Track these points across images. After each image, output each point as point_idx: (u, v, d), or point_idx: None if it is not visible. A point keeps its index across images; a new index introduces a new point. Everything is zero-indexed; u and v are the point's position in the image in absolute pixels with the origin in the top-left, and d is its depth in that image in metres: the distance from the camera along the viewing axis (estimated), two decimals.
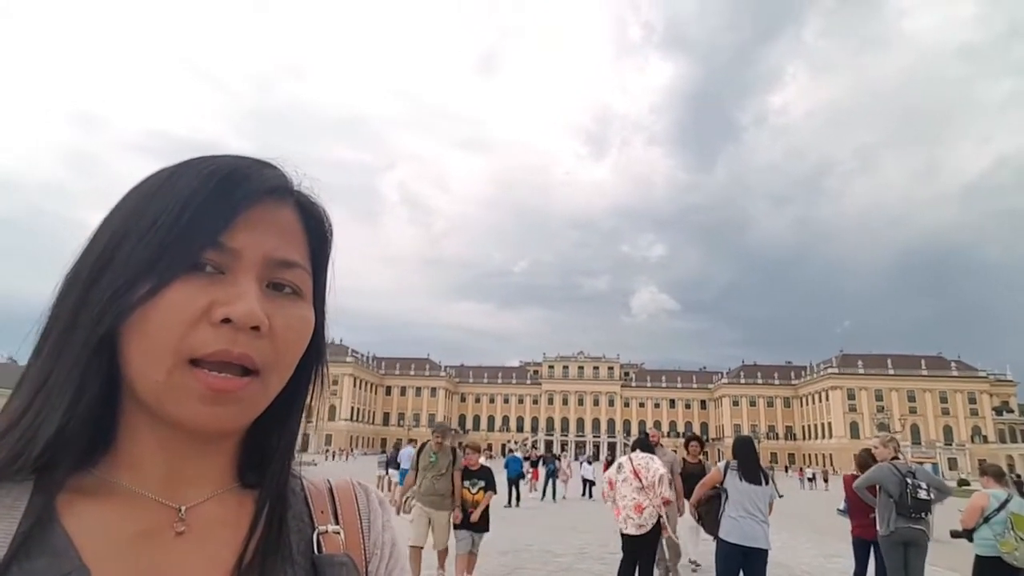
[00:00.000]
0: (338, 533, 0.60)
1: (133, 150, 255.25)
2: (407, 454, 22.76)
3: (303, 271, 0.56)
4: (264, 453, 0.59)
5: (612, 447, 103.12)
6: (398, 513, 7.52)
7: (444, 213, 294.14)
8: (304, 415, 0.63)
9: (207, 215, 0.51)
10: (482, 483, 7.64)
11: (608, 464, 11.03)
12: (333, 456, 74.40)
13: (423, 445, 7.87)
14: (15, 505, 0.48)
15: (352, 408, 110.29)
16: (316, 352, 0.60)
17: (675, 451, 10.29)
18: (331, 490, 0.64)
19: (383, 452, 37.66)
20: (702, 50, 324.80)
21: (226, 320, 0.50)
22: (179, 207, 0.50)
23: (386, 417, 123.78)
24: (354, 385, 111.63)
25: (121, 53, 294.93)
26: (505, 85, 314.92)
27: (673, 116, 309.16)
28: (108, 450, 0.53)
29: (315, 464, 52.80)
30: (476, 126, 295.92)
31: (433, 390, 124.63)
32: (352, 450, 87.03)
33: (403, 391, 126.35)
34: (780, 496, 7.37)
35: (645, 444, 7.35)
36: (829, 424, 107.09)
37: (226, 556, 0.53)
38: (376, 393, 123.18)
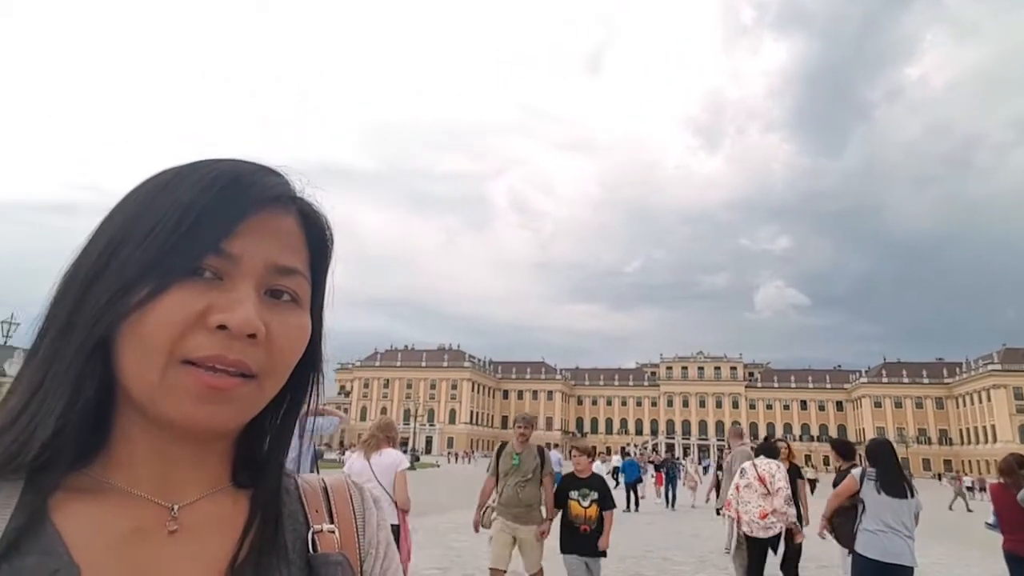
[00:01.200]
0: (333, 532, 0.60)
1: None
2: (555, 459, 22.40)
3: (302, 278, 0.56)
4: (258, 454, 0.60)
5: None
6: (476, 530, 6.37)
7: (553, 216, 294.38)
8: (305, 415, 0.62)
9: (209, 220, 0.51)
10: (594, 495, 6.06)
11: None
12: (457, 458, 76.76)
13: (503, 444, 6.39)
14: (6, 503, 0.48)
15: (471, 412, 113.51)
16: (312, 359, 0.60)
17: (808, 455, 9.09)
18: (325, 489, 0.64)
19: None
20: (822, 24, 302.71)
21: (222, 327, 0.50)
22: (181, 212, 0.50)
23: (504, 420, 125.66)
24: (472, 390, 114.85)
25: (263, 90, 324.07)
26: (610, 82, 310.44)
27: (792, 99, 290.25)
28: (101, 450, 0.53)
29: (438, 466, 54.86)
30: (582, 126, 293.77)
31: (549, 393, 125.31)
32: (472, 452, 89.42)
33: (520, 395, 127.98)
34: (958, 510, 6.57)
35: (769, 449, 7.02)
36: (992, 427, 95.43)
37: (220, 555, 0.53)
38: (494, 397, 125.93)
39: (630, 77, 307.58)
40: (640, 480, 20.93)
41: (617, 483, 19.70)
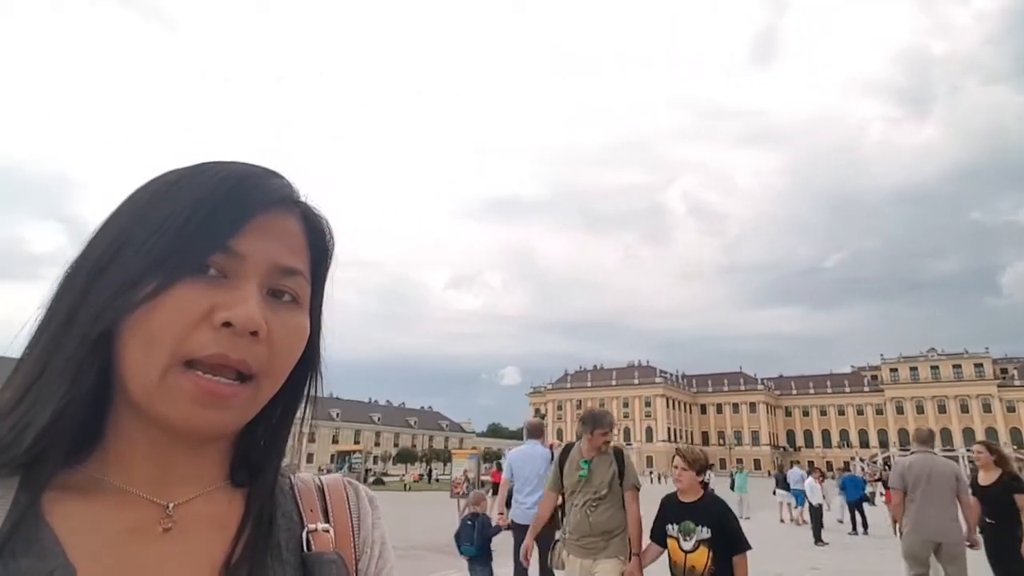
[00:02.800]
0: (328, 531, 0.60)
1: (462, 217, 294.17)
2: (797, 476, 19.35)
3: (303, 280, 0.57)
4: (254, 453, 0.60)
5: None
6: (526, 559, 4.97)
7: (736, 217, 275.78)
8: (304, 414, 0.63)
9: (216, 219, 0.51)
10: (704, 531, 3.90)
11: None
12: (660, 479, 74.95)
13: (566, 448, 4.68)
14: (1, 503, 0.47)
15: (668, 428, 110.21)
16: (310, 360, 0.60)
17: None
18: (321, 488, 0.64)
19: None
20: None
21: (226, 324, 0.50)
22: (188, 210, 0.51)
23: (704, 436, 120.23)
24: (667, 405, 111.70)
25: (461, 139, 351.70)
26: (786, 62, 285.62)
27: (1018, 41, 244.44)
28: (96, 447, 0.53)
29: (639, 487, 53.78)
30: (760, 116, 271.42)
31: (752, 405, 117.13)
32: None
33: (719, 408, 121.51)
34: None
35: None
36: None
37: (214, 553, 0.53)
38: (691, 412, 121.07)
39: (808, 53, 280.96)
40: (866, 499, 18.99)
41: (828, 506, 17.94)
